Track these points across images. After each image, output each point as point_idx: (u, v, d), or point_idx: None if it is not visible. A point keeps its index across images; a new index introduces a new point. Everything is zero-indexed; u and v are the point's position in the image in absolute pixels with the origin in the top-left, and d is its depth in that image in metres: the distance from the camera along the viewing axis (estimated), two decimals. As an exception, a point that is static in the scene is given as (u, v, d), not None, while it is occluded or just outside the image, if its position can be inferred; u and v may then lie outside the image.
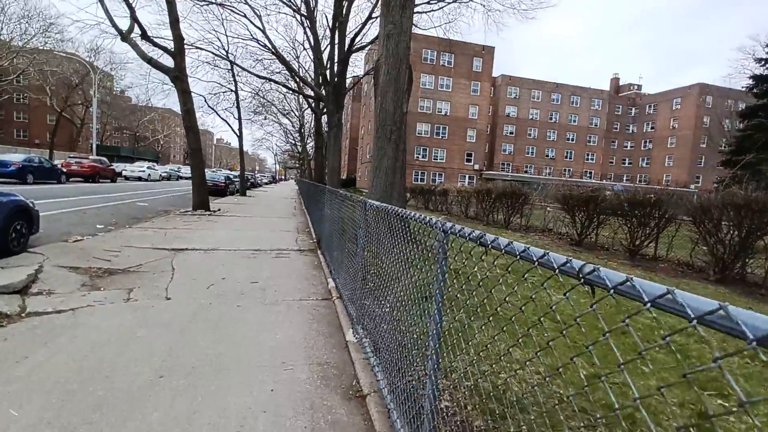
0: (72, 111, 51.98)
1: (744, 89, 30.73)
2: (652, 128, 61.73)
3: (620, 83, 70.03)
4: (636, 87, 68.49)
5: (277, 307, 4.33)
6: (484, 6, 19.81)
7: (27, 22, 37.21)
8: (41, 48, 39.37)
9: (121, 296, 4.35)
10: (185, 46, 18.85)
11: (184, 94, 13.15)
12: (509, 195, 13.28)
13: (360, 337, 3.42)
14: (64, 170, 21.95)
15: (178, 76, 13.01)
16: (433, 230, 1.96)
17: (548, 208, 13.39)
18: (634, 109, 64.26)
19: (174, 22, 12.69)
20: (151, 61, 13.01)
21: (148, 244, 7.28)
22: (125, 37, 12.79)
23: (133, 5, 12.86)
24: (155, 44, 13.07)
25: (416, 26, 25.33)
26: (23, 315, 3.46)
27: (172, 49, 13.05)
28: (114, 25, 12.66)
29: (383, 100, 7.91)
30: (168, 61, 13.29)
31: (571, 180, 47.98)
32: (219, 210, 14.15)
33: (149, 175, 33.39)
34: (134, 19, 12.63)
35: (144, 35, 12.75)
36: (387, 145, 7.93)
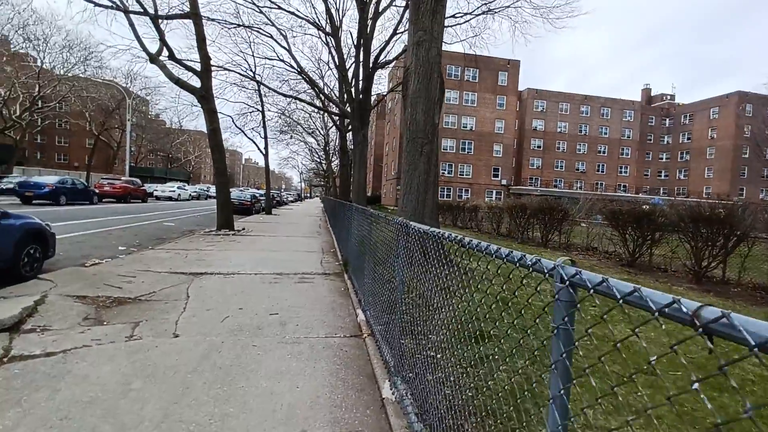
0: (109, 135, 54.30)
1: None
2: (688, 139, 58.92)
3: (652, 94, 67.62)
4: (669, 97, 65.94)
5: (298, 346, 3.71)
6: (511, 18, 19.28)
7: (68, 51, 39.22)
8: (81, 75, 41.35)
9: (124, 333, 3.84)
10: (213, 68, 19.13)
11: (211, 114, 13.06)
12: (546, 211, 12.37)
13: (400, 394, 2.75)
14: (97, 191, 22.45)
15: (205, 96, 12.95)
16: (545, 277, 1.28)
17: (586, 224, 12.39)
18: (668, 119, 61.68)
19: (201, 41, 12.70)
20: (178, 82, 13.03)
21: (166, 268, 6.86)
22: (154, 59, 12.90)
23: (163, 29, 13.03)
24: (182, 65, 13.11)
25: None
26: (5, 360, 2.98)
27: (199, 70, 13.04)
28: (144, 48, 12.81)
29: (413, 111, 7.35)
30: (196, 82, 13.30)
31: (605, 194, 46.07)
32: (243, 229, 13.84)
33: (179, 195, 34.03)
34: (162, 41, 12.73)
35: (171, 56, 12.81)
36: (418, 160, 7.33)
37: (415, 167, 7.38)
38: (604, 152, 56.45)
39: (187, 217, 19.33)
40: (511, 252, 1.46)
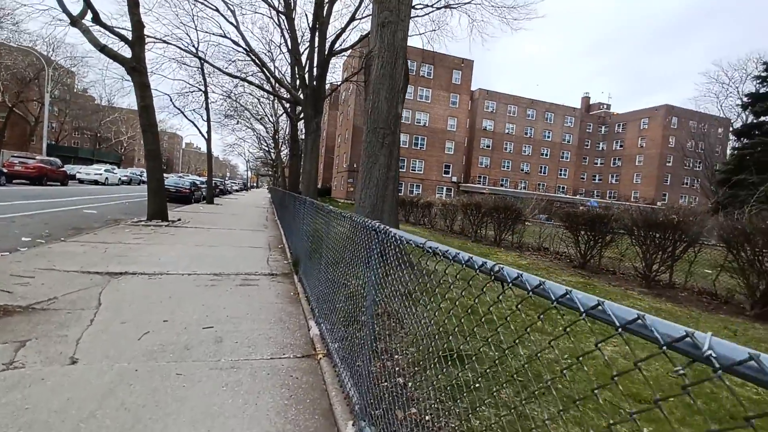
0: (26, 108, 48.25)
1: (740, 105, 31.49)
2: (621, 146, 63.56)
3: (590, 102, 72.12)
4: (605, 106, 70.68)
5: (236, 373, 3.00)
6: (470, 16, 19.21)
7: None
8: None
9: (3, 357, 2.91)
10: (149, 39, 17.22)
11: (143, 88, 11.58)
12: (501, 210, 12.33)
13: (368, 443, 2.17)
14: (5, 171, 19.56)
15: (136, 68, 11.44)
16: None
17: (538, 225, 12.54)
18: (604, 127, 66.12)
19: (132, 5, 11.17)
20: (104, 50, 11.39)
21: (76, 266, 5.75)
22: (76, 21, 11.19)
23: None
24: (111, 30, 11.49)
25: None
26: None
27: (130, 38, 11.48)
28: (63, 8, 11.04)
29: (376, 99, 6.74)
30: (126, 52, 11.71)
31: (547, 195, 48.34)
32: (179, 220, 12.51)
33: (107, 178, 30.84)
34: (86, 1, 11.03)
35: (96, 20, 11.15)
36: (379, 152, 6.74)
37: (375, 160, 6.79)
38: (546, 155, 59.29)
39: (115, 204, 17.35)
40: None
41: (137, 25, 11.34)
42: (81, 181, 29.88)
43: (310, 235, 5.39)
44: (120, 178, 33.53)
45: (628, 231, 8.07)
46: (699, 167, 53.93)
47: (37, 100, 48.01)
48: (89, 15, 11.26)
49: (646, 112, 60.31)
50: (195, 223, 12.44)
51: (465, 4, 18.15)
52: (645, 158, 59.39)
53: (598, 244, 8.98)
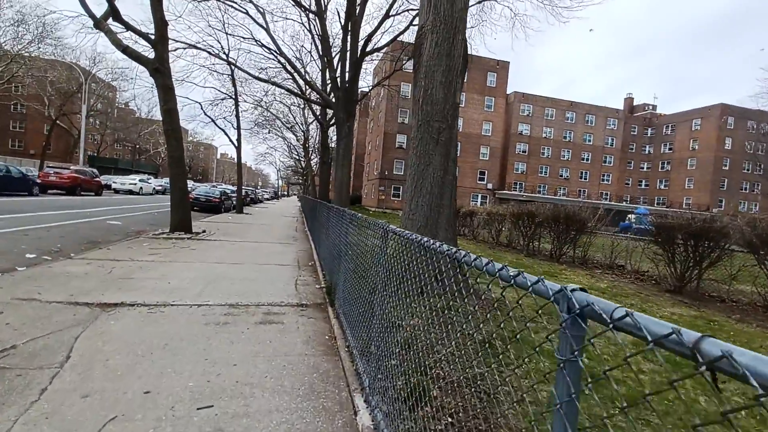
0: (69, 121, 50.10)
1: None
2: (670, 149, 59.36)
3: (634, 103, 68.10)
4: (651, 107, 66.52)
5: None
6: (511, 9, 17.67)
7: (23, 27, 35.39)
8: (36, 56, 37.58)
9: None
10: (179, 44, 16.71)
11: (166, 91, 10.77)
12: (563, 220, 10.66)
13: None
14: (39, 181, 19.54)
15: (159, 69, 10.64)
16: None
17: (610, 236, 10.76)
18: (650, 129, 62.07)
19: (156, 2, 10.41)
20: (126, 50, 10.67)
21: (65, 294, 4.68)
22: (99, 23, 10.56)
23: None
24: (131, 29, 10.77)
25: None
26: None
27: (153, 37, 10.74)
28: (87, 10, 10.42)
29: (428, 84, 5.39)
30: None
31: (589, 202, 45.41)
32: (203, 232, 11.58)
33: (141, 188, 30.98)
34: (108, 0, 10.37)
35: (117, 17, 10.46)
36: (433, 151, 5.38)
37: (429, 161, 5.43)
38: (587, 159, 56.11)
39: (143, 214, 16.79)
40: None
41: (160, 23, 10.56)
42: (116, 191, 30.15)
43: (349, 255, 4.09)
44: (154, 188, 33.71)
45: (751, 248, 6.30)
46: (760, 170, 49.46)
47: (80, 113, 49.84)
48: (110, 19, 10.67)
49: (698, 112, 56.05)
50: (220, 235, 11.46)
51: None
52: (698, 162, 55.05)
53: (701, 263, 7.20)
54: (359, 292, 3.59)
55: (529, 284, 1.03)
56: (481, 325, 1.67)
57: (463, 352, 3.49)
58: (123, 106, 69.26)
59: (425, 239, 1.80)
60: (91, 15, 10.52)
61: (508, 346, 1.47)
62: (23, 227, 9.80)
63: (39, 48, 35.89)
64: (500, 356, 3.46)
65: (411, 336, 3.70)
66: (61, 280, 5.32)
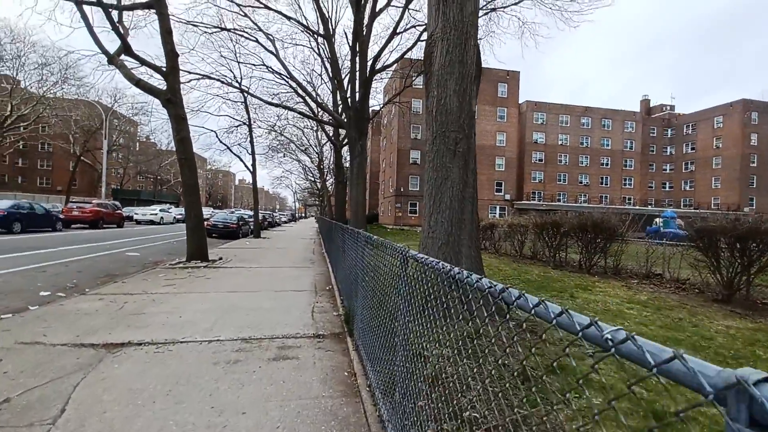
0: (93, 157, 51.90)
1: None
2: (692, 149, 57.51)
3: (651, 104, 66.59)
4: (669, 107, 64.92)
5: None
6: (519, 18, 17.47)
7: (47, 69, 37.12)
8: (60, 96, 39.28)
9: None
10: (192, 75, 17.04)
11: (178, 121, 10.82)
12: (591, 228, 10.10)
13: None
14: (62, 217, 19.97)
15: (171, 99, 10.72)
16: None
17: (644, 244, 10.12)
18: (669, 130, 60.42)
19: (166, 34, 10.56)
20: (139, 84, 10.82)
21: (72, 335, 4.46)
22: (112, 59, 10.79)
23: (126, 26, 10.98)
24: (143, 62, 10.94)
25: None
26: None
27: (164, 68, 10.86)
28: (100, 46, 10.66)
29: (441, 95, 5.11)
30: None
31: (612, 207, 44.12)
32: (220, 259, 11.43)
33: (162, 218, 31.51)
34: (117, 33, 10.56)
35: (128, 51, 10.64)
36: (451, 163, 5.05)
37: (447, 174, 5.09)
38: (607, 164, 54.80)
39: (162, 244, 16.85)
40: None
41: (171, 55, 10.68)
42: (138, 222, 30.72)
43: (366, 281, 3.74)
44: (175, 217, 34.24)
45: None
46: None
47: (102, 149, 51.65)
48: (123, 54, 10.89)
49: (720, 110, 54.32)
50: (236, 262, 11.27)
51: (514, 4, 16.51)
52: (723, 160, 53.06)
53: (750, 268, 6.57)
54: (378, 322, 3.23)
55: (656, 362, 0.61)
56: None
57: (497, 388, 3.08)
58: (144, 139, 71.57)
59: (456, 270, 1.44)
60: (105, 51, 10.74)
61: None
62: (42, 263, 9.82)
63: (62, 89, 37.45)
64: (538, 390, 3.02)
65: (438, 370, 3.30)
66: (70, 319, 5.12)
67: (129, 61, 11.35)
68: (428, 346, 3.06)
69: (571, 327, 0.85)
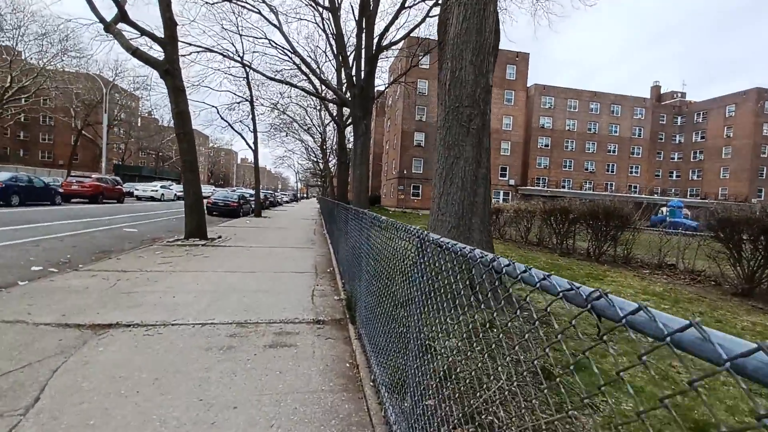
0: (95, 131, 51.33)
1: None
2: (702, 138, 56.48)
3: (662, 91, 65.20)
4: (680, 95, 63.57)
5: None
6: (533, -5, 16.71)
7: (47, 41, 36.29)
8: (60, 68, 38.55)
9: None
10: (193, 47, 16.47)
11: (177, 93, 10.40)
12: (602, 216, 9.77)
13: None
14: (62, 191, 19.70)
15: (170, 70, 10.27)
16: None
17: (659, 233, 9.79)
18: (680, 117, 59.23)
19: (164, 3, 10.03)
20: (136, 53, 10.34)
21: (57, 314, 4.21)
22: (109, 26, 10.28)
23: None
24: (140, 29, 10.43)
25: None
26: None
27: (163, 38, 10.38)
28: (96, 14, 10.16)
29: (456, 66, 4.70)
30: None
31: (617, 195, 43.61)
32: (219, 238, 11.17)
33: (162, 195, 31.24)
34: (115, 1, 10.05)
35: (125, 19, 10.13)
36: (464, 141, 4.69)
37: (459, 152, 4.74)
38: (614, 151, 53.96)
39: (161, 220, 16.61)
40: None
41: (169, 23, 10.19)
42: (138, 198, 30.49)
43: (371, 266, 3.45)
44: (176, 194, 33.95)
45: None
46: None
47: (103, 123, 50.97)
48: (120, 23, 10.38)
49: (732, 98, 53.06)
50: (236, 241, 11.01)
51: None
52: (733, 150, 52.10)
53: (772, 261, 6.25)
54: (385, 311, 2.94)
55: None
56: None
57: (518, 386, 2.80)
58: (146, 115, 70.76)
59: (505, 262, 1.13)
60: (101, 19, 10.24)
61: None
62: (37, 237, 9.58)
63: (63, 60, 36.70)
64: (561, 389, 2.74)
65: (450, 365, 3.02)
66: (58, 297, 4.87)
67: (127, 31, 10.86)
68: (449, 345, 2.78)
69: (649, 326, 0.64)
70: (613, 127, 53.55)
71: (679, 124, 59.15)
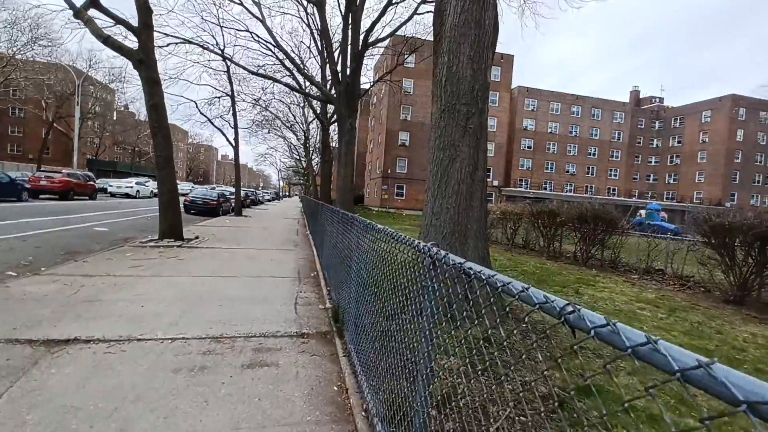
0: (67, 124, 49.28)
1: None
2: (678, 142, 58.01)
3: (640, 96, 66.71)
4: (658, 99, 65.14)
5: None
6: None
7: (18, 29, 34.57)
8: (31, 59, 36.83)
9: None
10: (171, 38, 15.77)
11: (151, 84, 9.83)
12: (590, 219, 9.67)
13: None
14: (28, 186, 18.66)
15: (143, 60, 9.70)
16: None
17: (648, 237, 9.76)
18: (657, 122, 60.71)
19: (138, -15, 9.46)
20: (108, 41, 9.72)
21: (7, 327, 3.76)
22: (79, 12, 9.62)
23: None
24: (111, 16, 9.82)
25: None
26: None
27: (137, 26, 9.78)
28: (66, -1, 9.51)
29: (452, 61, 4.41)
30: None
31: (600, 198, 44.36)
32: (196, 238, 10.63)
33: (138, 191, 30.11)
34: (84, -16, 9.42)
35: (95, 3, 9.51)
36: (460, 141, 4.41)
37: (455, 154, 4.45)
38: (594, 154, 54.91)
39: (135, 219, 15.87)
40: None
41: (143, 9, 9.61)
42: (112, 195, 29.30)
43: (364, 279, 3.12)
44: (152, 191, 32.77)
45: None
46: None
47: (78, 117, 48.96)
48: (91, 10, 9.75)
49: (708, 104, 54.62)
50: (214, 242, 10.51)
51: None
52: (708, 155, 53.66)
53: (765, 267, 6.18)
54: (380, 331, 2.62)
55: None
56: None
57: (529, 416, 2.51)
58: (122, 108, 68.53)
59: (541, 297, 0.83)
60: (71, 4, 9.59)
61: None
62: (-4, 237, 8.89)
63: (33, 50, 35.05)
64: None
65: (450, 388, 2.73)
66: (11, 306, 4.38)
67: (100, 19, 10.22)
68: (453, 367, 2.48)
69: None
70: (593, 131, 54.48)
71: (656, 128, 60.62)
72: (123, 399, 2.66)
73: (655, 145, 60.57)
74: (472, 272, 1.25)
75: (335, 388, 2.99)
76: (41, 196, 20.42)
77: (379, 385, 2.58)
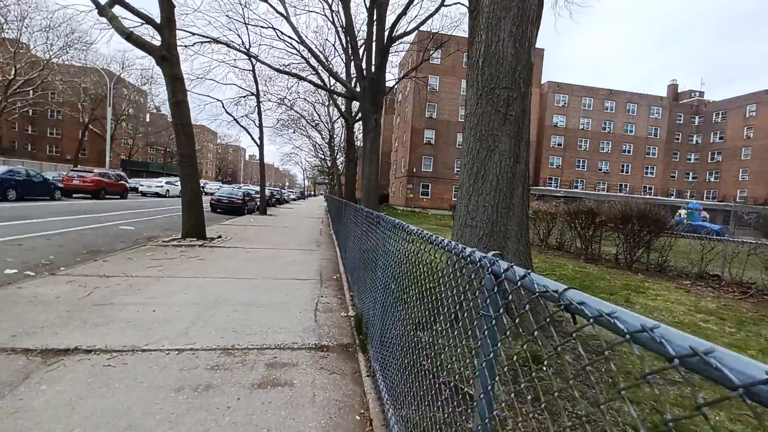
0: (102, 126, 51.08)
1: None
2: (720, 138, 54.79)
3: (679, 90, 63.47)
4: (698, 93, 61.82)
5: None
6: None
7: (55, 33, 35.96)
8: (66, 62, 38.28)
9: None
10: (197, 38, 15.78)
11: (174, 81, 9.69)
12: (636, 219, 8.87)
13: None
14: (61, 185, 19.17)
15: (166, 57, 9.57)
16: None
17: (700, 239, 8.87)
18: (697, 117, 57.54)
19: (160, -20, 9.33)
20: (131, 37, 9.63)
21: (5, 334, 3.49)
22: (103, 9, 9.59)
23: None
24: (134, 11, 9.73)
25: (459, 27, 21.65)
26: None
27: (159, 21, 9.67)
28: (90, -5, 9.50)
29: (491, 39, 3.88)
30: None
31: (631, 197, 42.36)
32: (219, 237, 10.46)
33: (167, 191, 30.70)
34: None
35: (119, 0, 9.42)
36: (500, 130, 3.87)
37: (494, 145, 3.91)
38: (629, 151, 52.53)
39: (161, 217, 15.97)
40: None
41: (166, 4, 9.48)
42: (143, 194, 29.99)
43: (390, 283, 2.66)
44: (181, 190, 33.42)
45: None
46: None
47: (112, 118, 50.68)
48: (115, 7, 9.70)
49: (752, 98, 51.30)
50: (236, 241, 10.29)
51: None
52: (753, 151, 50.38)
53: None
54: (409, 349, 2.15)
55: None
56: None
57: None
58: (154, 110, 70.63)
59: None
60: (95, 2, 9.58)
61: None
62: (23, 235, 8.92)
63: (68, 53, 36.39)
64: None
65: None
66: (17, 309, 4.15)
67: (125, 18, 10.19)
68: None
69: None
70: (628, 127, 52.14)
71: (696, 124, 57.47)
72: (114, 426, 2.29)
73: (694, 142, 57.45)
74: (572, 305, 0.77)
75: (357, 418, 2.54)
76: (74, 195, 20.98)
77: (412, 419, 2.12)
